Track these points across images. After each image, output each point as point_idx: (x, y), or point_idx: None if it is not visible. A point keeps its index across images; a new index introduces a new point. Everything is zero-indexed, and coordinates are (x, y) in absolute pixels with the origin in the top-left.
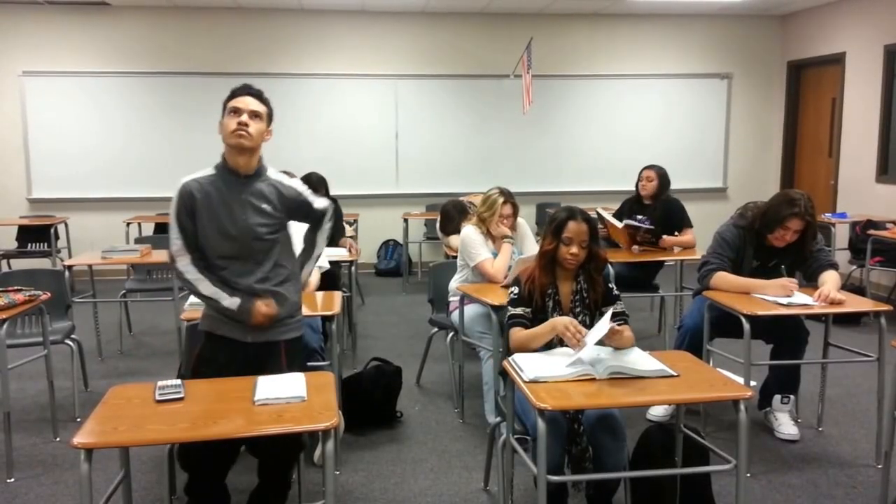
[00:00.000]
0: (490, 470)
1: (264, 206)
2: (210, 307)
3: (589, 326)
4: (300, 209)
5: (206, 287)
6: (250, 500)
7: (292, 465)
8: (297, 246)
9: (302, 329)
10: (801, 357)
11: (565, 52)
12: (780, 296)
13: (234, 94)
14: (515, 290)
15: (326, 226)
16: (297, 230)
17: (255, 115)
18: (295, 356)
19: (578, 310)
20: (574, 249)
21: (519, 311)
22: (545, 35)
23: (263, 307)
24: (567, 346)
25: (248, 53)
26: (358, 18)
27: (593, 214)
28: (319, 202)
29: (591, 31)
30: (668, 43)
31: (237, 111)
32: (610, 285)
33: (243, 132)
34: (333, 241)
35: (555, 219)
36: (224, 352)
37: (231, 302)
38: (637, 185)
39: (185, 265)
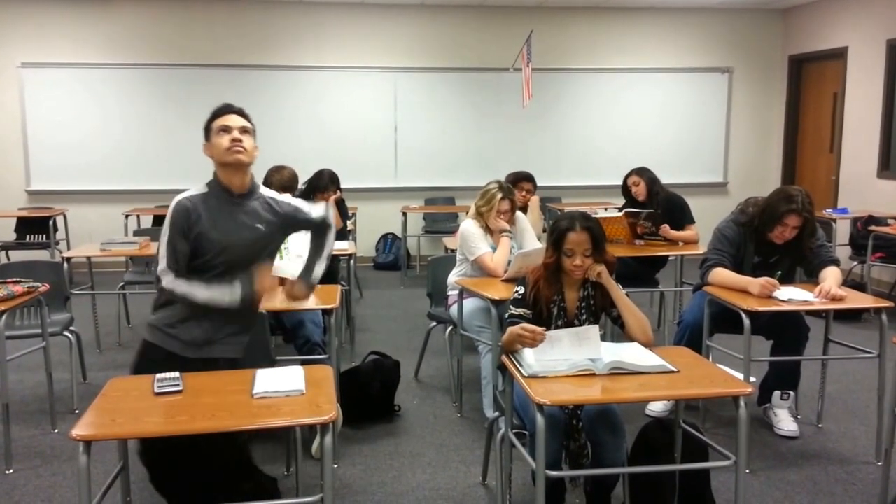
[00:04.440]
0: (488, 464)
1: (258, 225)
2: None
3: None
4: (300, 223)
5: (202, 292)
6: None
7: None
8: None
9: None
10: (802, 353)
11: (565, 45)
12: (760, 295)
13: (218, 114)
14: (521, 290)
15: (332, 231)
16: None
17: (244, 130)
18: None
19: (584, 317)
20: (577, 261)
21: (519, 311)
22: (545, 28)
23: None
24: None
25: (246, 46)
26: (357, 11)
27: (591, 212)
28: (316, 210)
29: (591, 24)
30: (668, 37)
31: (227, 129)
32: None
33: (240, 147)
34: (338, 236)
35: (554, 230)
36: (165, 367)
37: (232, 299)
38: (629, 193)
39: (171, 282)
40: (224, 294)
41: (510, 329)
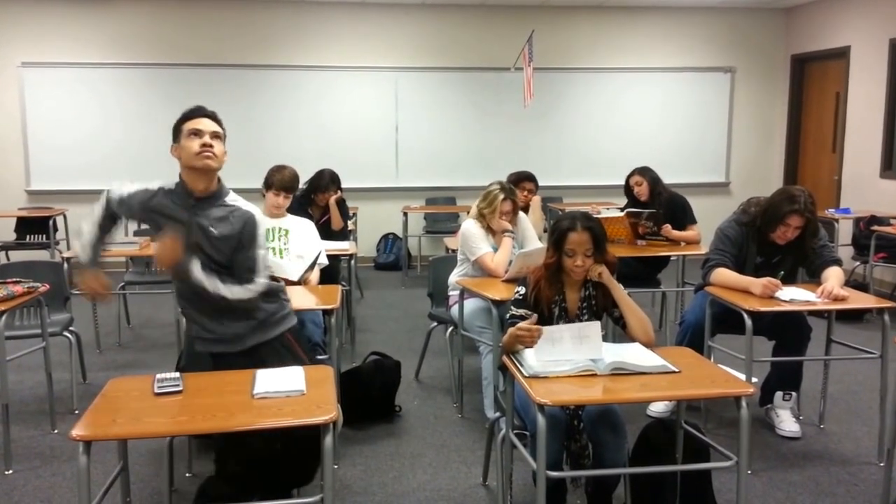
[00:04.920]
0: (489, 465)
1: (212, 228)
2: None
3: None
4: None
5: (85, 233)
6: (266, 484)
7: (315, 471)
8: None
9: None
10: (804, 354)
11: (567, 45)
12: (762, 295)
13: (189, 116)
14: (521, 290)
15: (236, 287)
16: (299, 236)
17: (215, 136)
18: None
19: (586, 317)
20: (578, 261)
21: (520, 312)
22: (547, 28)
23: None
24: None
25: (247, 45)
26: (358, 10)
27: (593, 211)
28: (262, 258)
29: (593, 23)
30: (670, 36)
31: (198, 133)
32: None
33: (209, 153)
34: (339, 236)
35: (555, 230)
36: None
37: (80, 249)
38: (631, 193)
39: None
40: (77, 247)
41: (509, 330)
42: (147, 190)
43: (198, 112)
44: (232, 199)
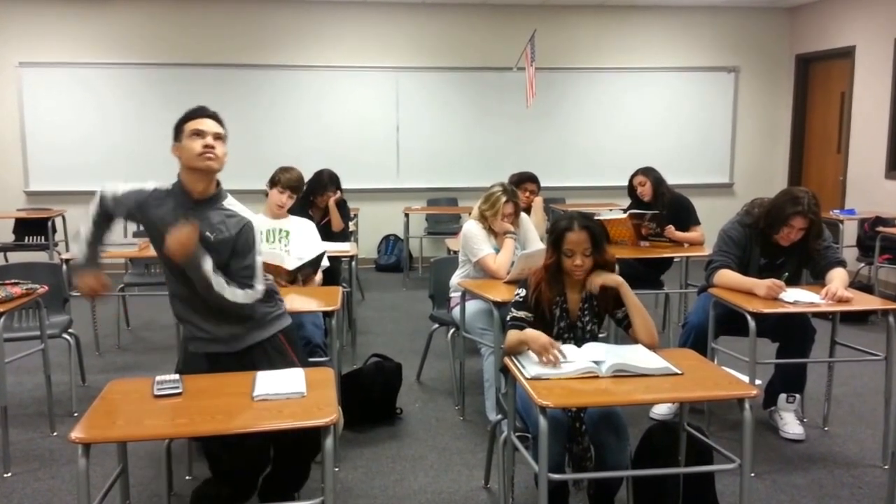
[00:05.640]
0: (490, 468)
1: (207, 233)
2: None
3: (596, 332)
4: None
5: (82, 234)
6: (263, 487)
7: (315, 454)
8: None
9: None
10: (808, 356)
11: (569, 44)
12: (766, 297)
13: (191, 116)
14: (521, 292)
15: (238, 291)
16: (300, 238)
17: (217, 137)
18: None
19: (587, 317)
20: (577, 261)
21: (521, 314)
22: (549, 27)
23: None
24: (568, 343)
25: (246, 45)
26: (359, 10)
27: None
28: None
29: (595, 23)
30: (673, 36)
31: (201, 133)
32: None
33: (212, 154)
34: (340, 238)
35: (553, 230)
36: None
37: (77, 251)
38: (634, 194)
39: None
40: (75, 249)
41: (533, 338)
42: (142, 190)
43: (200, 112)
44: (230, 203)
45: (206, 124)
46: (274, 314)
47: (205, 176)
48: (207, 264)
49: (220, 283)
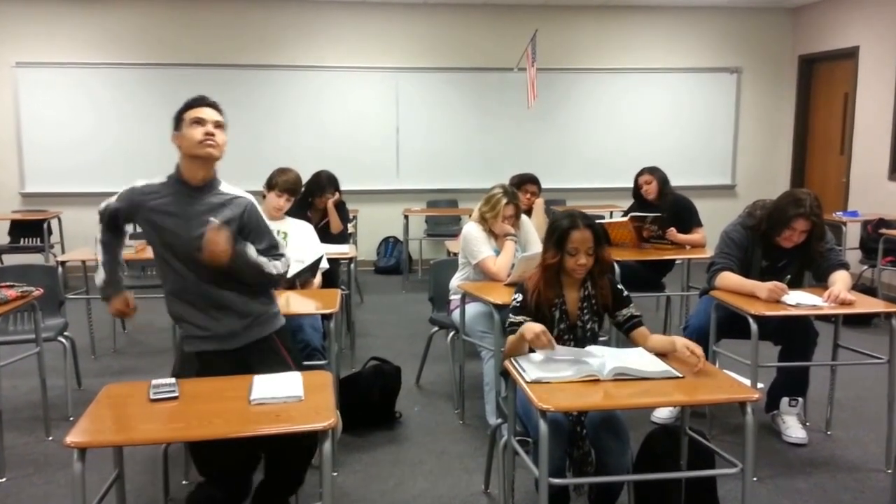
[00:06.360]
0: (490, 472)
1: (211, 218)
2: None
3: (597, 331)
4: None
5: (100, 255)
6: (257, 493)
7: (308, 463)
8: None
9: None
10: (810, 359)
11: (571, 45)
12: (768, 299)
13: (191, 105)
14: (519, 297)
15: (278, 263)
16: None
17: (218, 125)
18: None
19: (587, 317)
20: (582, 260)
21: (519, 319)
22: (550, 27)
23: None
24: (568, 344)
25: (245, 45)
26: (359, 10)
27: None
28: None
29: (597, 23)
30: (676, 36)
31: (201, 121)
32: (619, 287)
33: (212, 142)
34: (339, 240)
35: (556, 229)
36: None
37: (99, 282)
38: (638, 193)
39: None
40: (97, 277)
41: (526, 327)
42: (132, 188)
43: (200, 101)
44: (224, 187)
45: (207, 112)
46: (271, 312)
47: (205, 164)
48: (251, 250)
49: (265, 263)
